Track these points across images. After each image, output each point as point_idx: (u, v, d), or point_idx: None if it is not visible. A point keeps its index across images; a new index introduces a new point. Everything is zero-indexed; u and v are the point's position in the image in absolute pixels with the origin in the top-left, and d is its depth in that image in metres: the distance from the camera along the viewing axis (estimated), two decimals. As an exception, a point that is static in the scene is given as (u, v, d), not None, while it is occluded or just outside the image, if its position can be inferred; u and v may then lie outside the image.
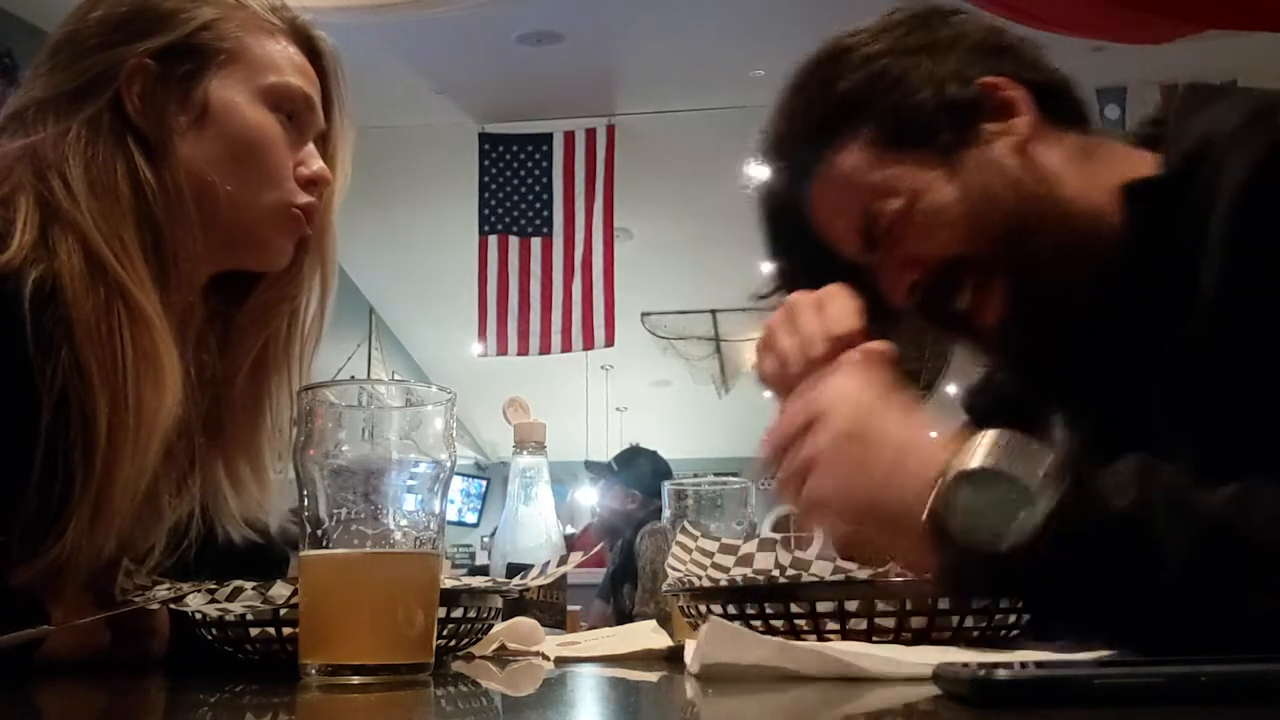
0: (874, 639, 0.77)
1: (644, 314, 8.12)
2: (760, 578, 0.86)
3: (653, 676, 0.79)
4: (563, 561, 0.95)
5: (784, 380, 0.90)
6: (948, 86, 0.92)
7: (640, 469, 4.06)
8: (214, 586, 0.79)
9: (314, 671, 0.65)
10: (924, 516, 0.70)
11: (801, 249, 1.00)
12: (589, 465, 4.41)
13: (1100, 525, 0.66)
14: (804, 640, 0.76)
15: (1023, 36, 0.97)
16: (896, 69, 0.93)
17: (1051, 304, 0.88)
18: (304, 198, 1.01)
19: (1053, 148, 0.91)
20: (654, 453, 4.36)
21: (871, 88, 0.93)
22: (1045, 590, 0.71)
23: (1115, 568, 0.66)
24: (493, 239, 6.00)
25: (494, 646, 0.93)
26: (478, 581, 0.86)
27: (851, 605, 0.78)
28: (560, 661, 0.89)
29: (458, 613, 0.81)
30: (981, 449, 0.70)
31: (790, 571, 0.86)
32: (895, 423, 0.77)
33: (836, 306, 0.93)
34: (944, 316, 0.94)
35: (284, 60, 1.01)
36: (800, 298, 0.95)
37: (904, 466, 0.73)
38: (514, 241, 5.99)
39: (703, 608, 0.85)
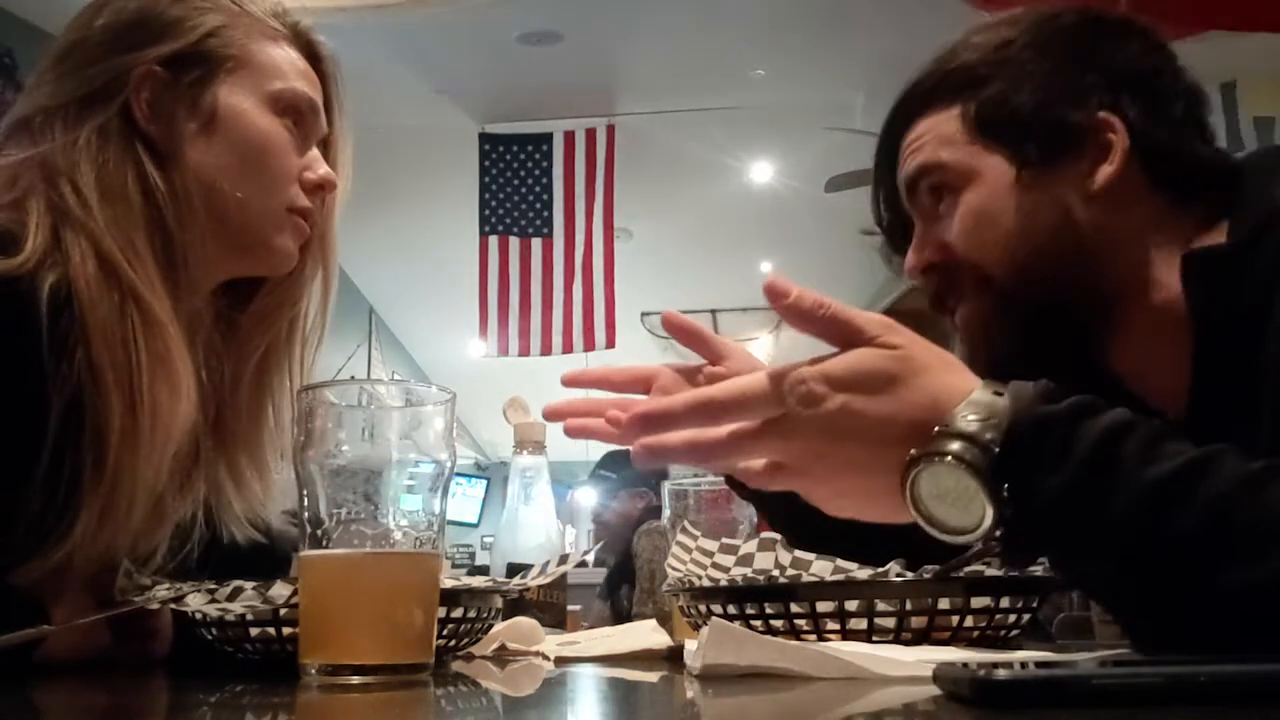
0: (874, 639, 0.77)
1: (644, 314, 8.11)
2: (760, 578, 0.86)
3: (653, 676, 0.79)
4: (563, 561, 0.95)
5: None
6: (1060, 104, 0.89)
7: (634, 468, 4.05)
8: (214, 586, 0.79)
9: (314, 671, 0.65)
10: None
11: (887, 191, 1.01)
12: (597, 473, 4.34)
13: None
14: (804, 640, 0.76)
15: (1190, 85, 0.91)
16: (1024, 61, 0.91)
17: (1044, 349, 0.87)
18: (305, 201, 1.02)
19: (1125, 208, 0.88)
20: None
21: (993, 70, 0.92)
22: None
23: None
24: (493, 239, 5.99)
25: (494, 646, 0.93)
26: (478, 581, 0.86)
27: (851, 605, 0.78)
28: (560, 661, 0.89)
29: (458, 613, 0.81)
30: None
31: (790, 571, 0.87)
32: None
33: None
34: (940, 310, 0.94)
35: (289, 66, 1.02)
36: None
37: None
38: (514, 242, 5.99)
39: (703, 608, 0.85)
